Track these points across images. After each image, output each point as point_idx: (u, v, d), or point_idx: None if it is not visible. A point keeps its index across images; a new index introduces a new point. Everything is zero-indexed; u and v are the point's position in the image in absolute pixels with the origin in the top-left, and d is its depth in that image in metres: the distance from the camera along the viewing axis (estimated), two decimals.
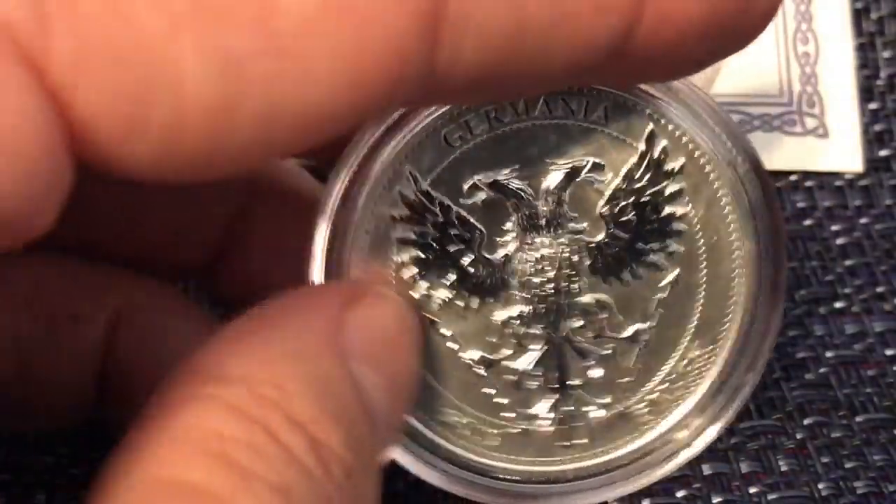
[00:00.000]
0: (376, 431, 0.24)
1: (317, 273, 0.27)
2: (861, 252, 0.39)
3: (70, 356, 0.30)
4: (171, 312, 0.31)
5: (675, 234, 0.29)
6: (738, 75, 0.42)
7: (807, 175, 0.41)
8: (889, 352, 0.36)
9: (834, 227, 0.40)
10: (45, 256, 0.30)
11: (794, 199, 0.41)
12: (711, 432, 0.31)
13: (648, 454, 0.31)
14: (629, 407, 0.30)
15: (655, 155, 0.28)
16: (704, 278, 0.30)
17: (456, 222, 0.28)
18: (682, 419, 0.30)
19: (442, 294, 0.28)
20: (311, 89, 0.19)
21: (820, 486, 0.32)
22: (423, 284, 0.28)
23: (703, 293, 0.30)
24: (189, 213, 0.31)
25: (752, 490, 0.32)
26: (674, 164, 0.29)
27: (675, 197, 0.29)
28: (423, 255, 0.28)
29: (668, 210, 0.29)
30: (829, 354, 0.36)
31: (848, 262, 0.39)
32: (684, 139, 0.28)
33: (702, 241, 0.29)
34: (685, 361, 0.30)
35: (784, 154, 0.41)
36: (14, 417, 0.31)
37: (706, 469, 0.32)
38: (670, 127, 0.28)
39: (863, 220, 0.40)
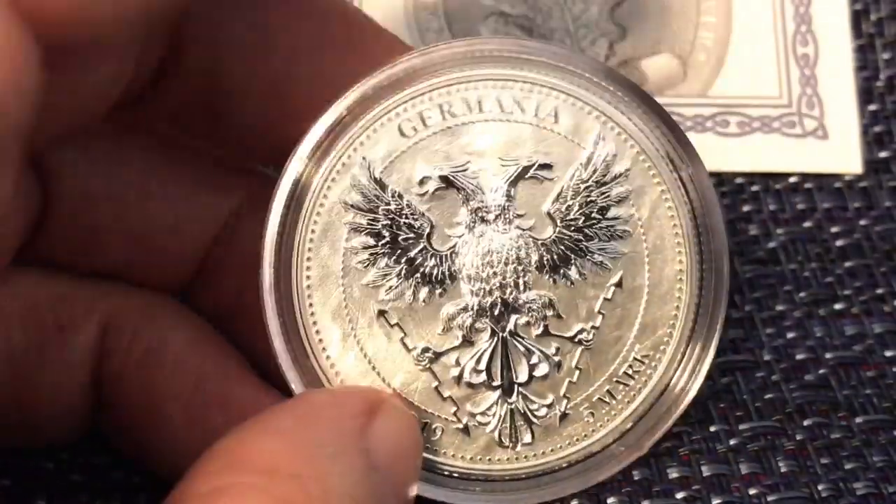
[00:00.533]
0: None
1: (268, 255, 0.28)
2: (860, 254, 0.39)
3: (61, 366, 0.30)
4: (162, 317, 0.31)
5: (619, 235, 0.30)
6: (738, 77, 0.42)
7: (806, 177, 0.41)
8: (888, 353, 0.36)
9: (833, 229, 0.40)
10: (31, 271, 0.30)
11: (794, 201, 0.41)
12: (656, 436, 0.31)
13: (591, 456, 0.31)
14: (572, 408, 0.30)
15: (602, 157, 0.29)
16: (648, 281, 0.30)
17: (407, 212, 0.29)
18: (623, 422, 0.31)
19: (390, 283, 0.29)
20: None
21: (819, 487, 0.32)
22: (373, 272, 0.29)
23: (647, 296, 0.30)
24: (170, 233, 0.31)
25: (752, 491, 0.32)
26: (619, 168, 0.29)
27: (620, 199, 0.30)
28: (373, 243, 0.29)
29: (613, 212, 0.30)
30: (828, 356, 0.36)
31: (847, 264, 0.39)
32: (630, 143, 0.29)
33: (646, 243, 0.30)
34: (627, 364, 0.30)
35: (783, 156, 0.41)
36: (15, 437, 0.31)
37: (706, 470, 0.32)
38: (617, 131, 0.29)
39: (862, 222, 0.40)
